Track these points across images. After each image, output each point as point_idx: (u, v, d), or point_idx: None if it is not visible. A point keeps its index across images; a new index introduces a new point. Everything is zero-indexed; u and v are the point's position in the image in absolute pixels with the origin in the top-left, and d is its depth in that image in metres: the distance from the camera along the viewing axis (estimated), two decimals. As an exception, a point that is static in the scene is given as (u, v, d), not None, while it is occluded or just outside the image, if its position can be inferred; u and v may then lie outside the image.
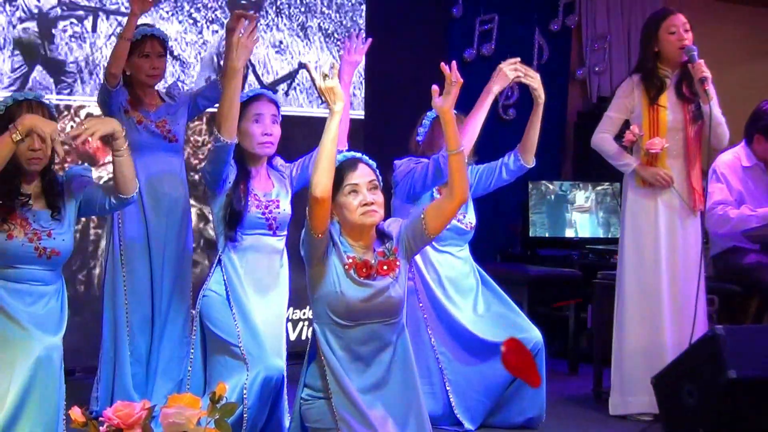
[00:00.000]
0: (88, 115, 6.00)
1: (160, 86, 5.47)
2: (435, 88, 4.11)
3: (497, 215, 7.86)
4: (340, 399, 3.96)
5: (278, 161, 4.87)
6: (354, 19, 7.57)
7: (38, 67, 6.46)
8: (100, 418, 3.36)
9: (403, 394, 4.08)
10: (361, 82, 7.55)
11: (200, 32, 6.98)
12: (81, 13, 6.56)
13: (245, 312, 4.56)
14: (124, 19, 5.60)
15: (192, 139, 6.76)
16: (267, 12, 7.26)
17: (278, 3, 7.30)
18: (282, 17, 7.30)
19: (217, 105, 5.40)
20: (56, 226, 4.18)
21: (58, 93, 6.48)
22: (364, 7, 7.59)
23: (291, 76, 7.36)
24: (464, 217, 5.37)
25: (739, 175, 6.40)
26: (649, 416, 5.61)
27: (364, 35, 5.12)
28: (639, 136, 5.65)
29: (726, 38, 9.25)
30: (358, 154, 4.18)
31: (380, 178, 4.14)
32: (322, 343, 4.02)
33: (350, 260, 4.04)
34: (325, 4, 7.47)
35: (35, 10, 6.41)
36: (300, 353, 4.23)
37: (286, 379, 4.56)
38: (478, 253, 5.63)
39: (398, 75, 7.59)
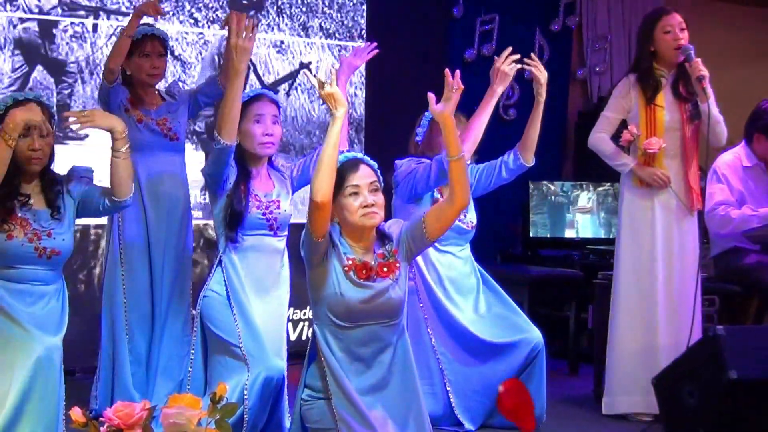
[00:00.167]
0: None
1: (161, 85, 5.47)
2: (431, 95, 4.11)
3: (498, 215, 7.85)
4: (340, 400, 3.95)
5: (279, 161, 4.87)
6: (355, 18, 7.57)
7: (39, 67, 6.47)
8: (101, 418, 3.36)
9: (402, 395, 4.07)
10: (362, 82, 7.55)
11: (201, 32, 6.98)
12: (82, 13, 6.57)
13: (246, 312, 4.56)
14: (125, 19, 5.61)
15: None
16: (268, 12, 7.26)
17: (279, 3, 7.30)
18: (283, 17, 7.30)
19: (216, 102, 5.42)
20: (56, 226, 4.17)
21: (58, 93, 6.48)
22: (365, 7, 7.59)
23: (292, 76, 7.36)
24: (465, 216, 5.36)
25: (740, 176, 6.41)
26: (648, 416, 5.61)
27: (374, 45, 5.15)
28: (636, 135, 5.65)
29: (726, 38, 9.24)
30: (360, 155, 4.18)
31: (381, 178, 4.14)
32: (321, 344, 4.02)
33: (350, 262, 4.04)
34: (327, 4, 7.47)
35: (36, 10, 6.42)
36: (300, 353, 4.23)
37: (286, 380, 4.56)
38: (479, 253, 5.62)
39: (399, 75, 7.58)
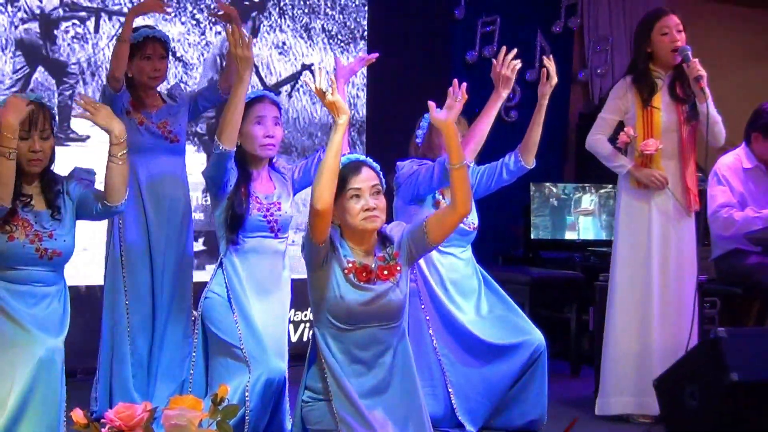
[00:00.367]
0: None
1: (163, 87, 5.47)
2: (431, 103, 4.10)
3: (499, 217, 7.85)
4: (340, 401, 3.95)
5: (281, 163, 4.88)
6: (357, 20, 7.57)
7: (40, 68, 6.46)
8: (102, 420, 3.35)
9: (403, 398, 4.07)
10: (363, 84, 7.55)
11: (203, 33, 6.99)
12: (83, 14, 6.57)
13: (247, 314, 4.56)
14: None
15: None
16: (270, 13, 7.27)
17: (281, 4, 7.30)
18: (285, 18, 7.30)
19: (218, 106, 5.43)
20: (57, 227, 4.17)
21: (59, 94, 6.48)
22: (367, 8, 7.60)
23: (294, 78, 7.36)
24: (467, 217, 5.35)
25: (741, 177, 6.41)
26: (648, 418, 5.62)
27: (376, 55, 5.16)
28: (633, 137, 5.65)
29: (727, 40, 9.25)
30: (362, 157, 4.17)
31: (384, 180, 4.13)
32: (322, 346, 4.02)
33: (350, 264, 4.03)
34: (329, 5, 7.47)
35: (37, 11, 6.42)
36: (302, 355, 4.23)
37: (287, 381, 4.56)
38: (481, 255, 5.62)
39: (400, 76, 7.59)
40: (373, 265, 4.06)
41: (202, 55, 6.99)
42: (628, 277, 5.73)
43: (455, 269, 5.36)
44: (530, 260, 8.15)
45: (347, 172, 4.02)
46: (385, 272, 4.06)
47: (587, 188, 8.24)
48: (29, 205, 4.16)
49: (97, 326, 5.36)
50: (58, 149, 4.35)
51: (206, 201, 6.65)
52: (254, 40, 6.71)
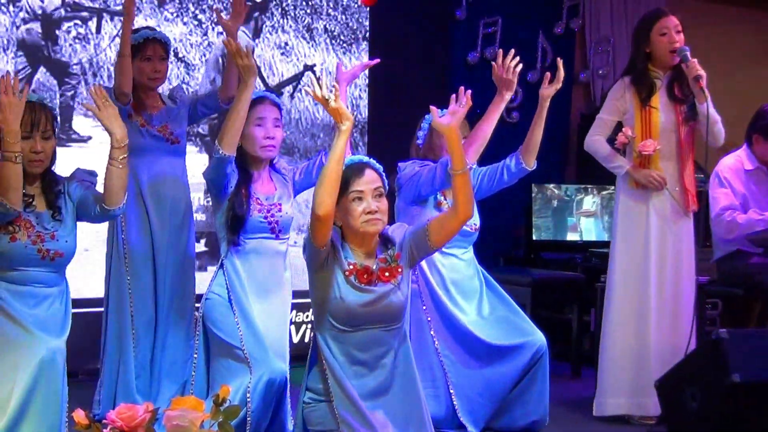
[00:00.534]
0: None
1: (165, 87, 5.48)
2: (434, 108, 4.10)
3: (501, 218, 7.85)
4: (341, 402, 3.95)
5: (282, 164, 4.88)
6: (360, 21, 7.57)
7: (42, 69, 6.47)
8: (104, 421, 3.35)
9: (404, 400, 4.06)
10: (365, 85, 7.55)
11: (205, 34, 6.99)
12: (85, 14, 6.57)
13: (247, 315, 4.56)
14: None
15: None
16: (272, 14, 7.27)
17: (284, 5, 7.30)
18: (288, 19, 7.31)
19: (215, 115, 5.44)
20: (59, 228, 4.17)
21: (61, 95, 6.49)
22: (368, 9, 7.60)
23: (297, 78, 7.37)
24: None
25: (742, 179, 6.40)
26: (651, 419, 5.63)
27: (377, 61, 5.18)
28: (631, 138, 5.65)
29: (727, 41, 9.24)
30: (366, 158, 4.15)
31: (386, 182, 4.13)
32: (323, 347, 4.02)
33: (351, 266, 4.03)
34: (331, 6, 7.47)
35: (39, 11, 6.42)
36: (303, 356, 4.23)
37: (289, 382, 4.56)
38: (482, 256, 5.62)
39: (402, 77, 7.59)
40: (374, 267, 4.06)
41: (204, 55, 6.99)
42: (625, 278, 5.73)
43: (457, 270, 5.36)
44: (532, 261, 8.15)
45: (350, 173, 4.01)
46: (387, 274, 4.05)
47: (589, 189, 8.24)
48: (31, 205, 4.15)
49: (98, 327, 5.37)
50: (59, 150, 4.35)
51: (208, 202, 6.65)
52: (256, 41, 6.73)
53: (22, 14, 6.37)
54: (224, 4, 7.01)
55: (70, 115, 6.50)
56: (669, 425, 5.29)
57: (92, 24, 6.60)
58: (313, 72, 7.38)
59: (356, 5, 7.57)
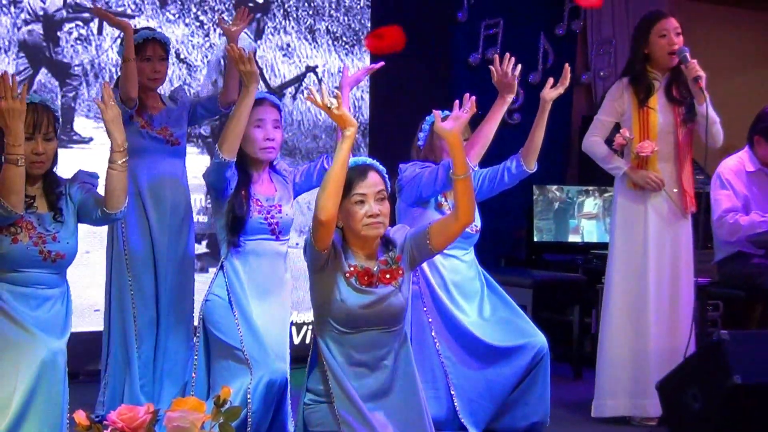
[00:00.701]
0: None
1: (166, 87, 5.48)
2: (437, 112, 4.09)
3: (502, 219, 7.86)
4: (342, 402, 3.95)
5: (282, 165, 4.88)
6: (362, 22, 7.57)
7: (43, 70, 6.47)
8: (105, 422, 3.35)
9: (404, 403, 4.05)
10: (367, 86, 7.55)
11: (207, 35, 6.99)
12: (86, 15, 6.57)
13: (247, 316, 4.56)
14: (131, 22, 5.61)
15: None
16: (275, 15, 7.27)
17: (286, 6, 7.30)
18: (290, 20, 7.31)
19: (215, 118, 5.44)
20: (60, 229, 4.16)
21: (63, 96, 6.49)
22: (370, 10, 7.60)
23: (299, 80, 7.37)
24: (469, 223, 5.35)
25: (744, 180, 6.41)
26: (650, 421, 5.63)
27: (381, 64, 5.19)
28: (629, 139, 5.66)
29: (728, 42, 9.25)
30: (369, 160, 4.13)
31: (389, 184, 4.12)
32: (323, 348, 4.01)
33: (352, 268, 4.02)
34: (333, 6, 7.47)
35: (40, 12, 6.42)
36: (304, 357, 4.23)
37: (289, 383, 4.56)
38: (483, 257, 5.62)
39: (404, 79, 7.59)
40: (375, 269, 4.05)
41: (206, 57, 6.99)
42: (623, 279, 5.74)
43: (458, 271, 5.36)
44: (533, 263, 8.15)
45: (354, 175, 3.99)
46: (387, 276, 4.04)
47: (590, 191, 8.24)
48: (32, 207, 4.15)
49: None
50: (60, 151, 4.34)
51: (209, 203, 6.66)
52: (258, 42, 6.73)
53: (23, 15, 6.37)
54: (226, 5, 7.02)
55: (71, 117, 6.51)
56: (670, 426, 5.29)
57: (94, 25, 6.60)
58: (315, 73, 7.38)
59: (358, 6, 7.57)
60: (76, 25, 6.55)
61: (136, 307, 5.24)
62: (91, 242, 5.76)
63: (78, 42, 6.56)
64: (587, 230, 8.22)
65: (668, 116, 5.68)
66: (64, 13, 6.51)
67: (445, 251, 5.19)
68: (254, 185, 4.68)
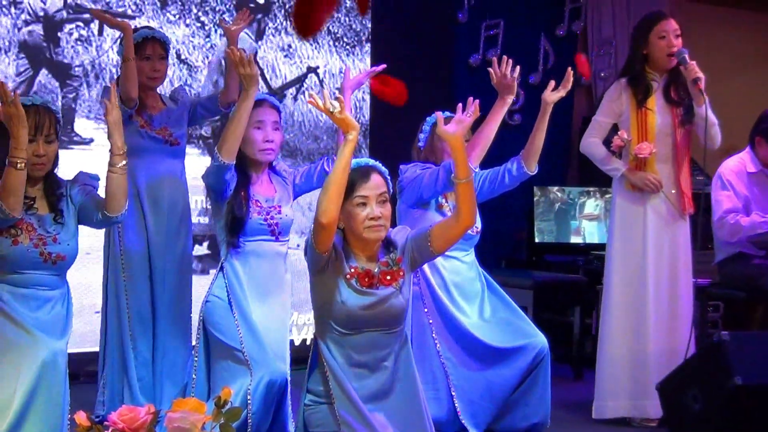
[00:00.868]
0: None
1: (166, 87, 5.48)
2: (440, 115, 4.08)
3: (503, 221, 7.86)
4: (342, 403, 3.94)
5: (282, 166, 4.88)
6: (363, 22, 7.57)
7: (43, 71, 6.47)
8: (105, 423, 3.35)
9: (404, 404, 4.05)
10: (367, 87, 7.55)
11: (207, 36, 6.99)
12: (87, 16, 6.57)
13: (247, 317, 4.56)
14: (131, 22, 5.61)
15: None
16: (275, 15, 7.27)
17: (287, 6, 7.30)
18: (291, 21, 7.30)
19: (215, 118, 5.43)
20: (61, 231, 4.16)
21: (63, 97, 6.49)
22: (371, 11, 7.60)
23: (300, 81, 7.37)
24: (470, 225, 5.35)
25: (745, 181, 6.41)
26: (650, 422, 5.63)
27: (383, 66, 5.20)
28: (627, 141, 5.66)
29: (731, 44, 9.25)
30: (372, 162, 4.11)
31: (391, 186, 4.11)
32: (323, 349, 4.01)
33: (352, 269, 4.01)
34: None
35: (41, 13, 6.42)
36: (304, 358, 4.22)
37: (289, 384, 4.56)
38: (484, 258, 5.62)
39: (404, 79, 7.55)
40: (375, 270, 4.04)
41: (207, 57, 6.99)
42: (622, 280, 5.75)
43: (458, 272, 5.35)
44: (534, 264, 8.15)
45: (356, 177, 3.97)
46: (388, 277, 4.04)
47: (591, 192, 8.24)
48: (32, 208, 4.15)
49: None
50: (61, 152, 4.35)
51: (210, 205, 6.65)
52: (259, 43, 6.73)
53: (23, 16, 6.37)
54: (227, 6, 7.02)
55: (71, 118, 6.51)
56: (670, 428, 5.29)
57: (94, 26, 6.60)
58: (317, 74, 7.38)
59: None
60: (77, 26, 6.55)
61: (130, 307, 5.24)
62: (92, 243, 5.75)
63: (78, 43, 6.56)
64: (588, 231, 8.22)
65: (666, 117, 5.68)
66: (65, 13, 6.51)
67: (445, 252, 5.20)
68: (253, 186, 4.68)
